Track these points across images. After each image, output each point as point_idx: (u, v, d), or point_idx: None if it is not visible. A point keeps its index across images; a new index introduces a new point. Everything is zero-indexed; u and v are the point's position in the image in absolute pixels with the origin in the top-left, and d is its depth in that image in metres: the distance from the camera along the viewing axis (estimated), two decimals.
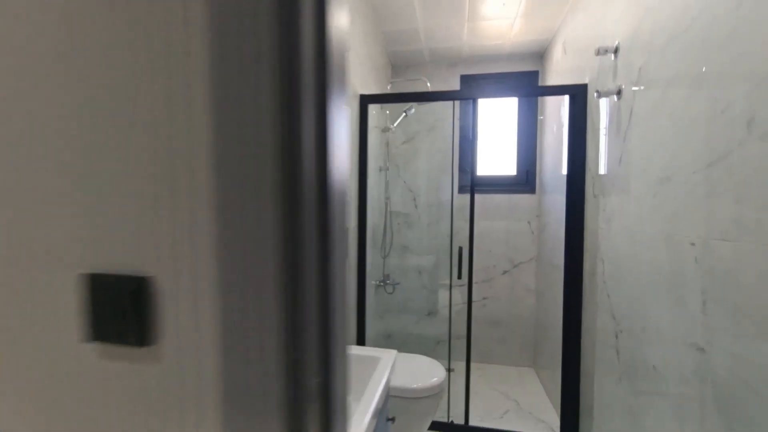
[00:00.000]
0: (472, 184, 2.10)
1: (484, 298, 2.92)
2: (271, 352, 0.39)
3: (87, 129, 0.43)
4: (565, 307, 1.91)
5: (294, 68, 0.38)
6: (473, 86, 2.99)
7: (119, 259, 0.42)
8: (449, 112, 2.72)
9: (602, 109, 1.69)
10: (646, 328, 1.27)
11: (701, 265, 1.00)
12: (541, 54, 2.89)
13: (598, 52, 1.57)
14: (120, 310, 0.42)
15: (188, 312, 0.41)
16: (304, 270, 0.39)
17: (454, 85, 3.03)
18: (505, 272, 2.89)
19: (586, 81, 1.87)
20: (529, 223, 2.87)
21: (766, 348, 0.79)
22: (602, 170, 1.68)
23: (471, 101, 2.03)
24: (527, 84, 2.95)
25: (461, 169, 2.90)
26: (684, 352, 1.06)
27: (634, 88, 1.40)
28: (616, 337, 1.49)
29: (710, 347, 0.96)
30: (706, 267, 0.98)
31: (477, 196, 2.15)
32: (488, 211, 2.89)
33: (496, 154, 3.01)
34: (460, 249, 2.16)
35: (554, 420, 2.14)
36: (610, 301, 1.56)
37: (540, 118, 2.88)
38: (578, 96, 1.84)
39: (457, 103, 2.72)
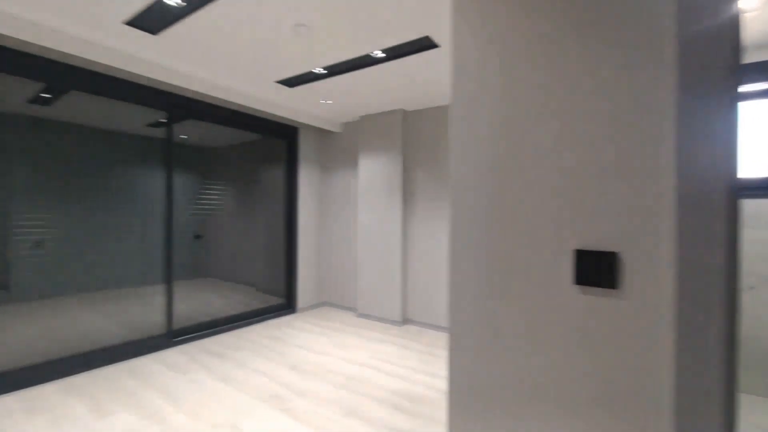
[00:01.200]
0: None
1: None
2: (714, 330, 0.71)
3: (598, 172, 0.84)
4: None
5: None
6: None
7: (597, 242, 0.82)
8: None
9: None
10: None
11: None
12: None
13: None
14: (597, 268, 0.81)
15: (643, 275, 0.77)
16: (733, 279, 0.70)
17: None
18: (750, 288, 2.57)
19: None
20: None
21: None
22: None
23: None
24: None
25: None
26: None
27: None
28: None
29: None
30: None
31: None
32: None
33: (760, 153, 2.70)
34: None
35: None
36: None
37: None
38: None
39: None
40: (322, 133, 5.00)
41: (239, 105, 3.70)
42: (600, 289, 0.81)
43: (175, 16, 2.25)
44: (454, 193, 1.01)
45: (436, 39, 2.48)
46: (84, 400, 2.41)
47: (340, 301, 4.87)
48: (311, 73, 3.15)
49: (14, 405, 2.34)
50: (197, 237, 4.39)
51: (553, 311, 0.87)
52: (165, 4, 2.13)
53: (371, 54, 2.74)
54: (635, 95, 0.76)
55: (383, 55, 2.75)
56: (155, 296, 3.40)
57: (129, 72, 2.82)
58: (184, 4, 2.12)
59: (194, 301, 4.16)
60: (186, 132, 3.74)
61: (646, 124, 0.76)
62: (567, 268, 0.86)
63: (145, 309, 3.36)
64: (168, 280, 3.41)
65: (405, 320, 4.23)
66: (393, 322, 4.21)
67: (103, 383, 2.66)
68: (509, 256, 0.93)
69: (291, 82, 3.40)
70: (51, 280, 2.89)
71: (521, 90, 0.90)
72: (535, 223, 0.90)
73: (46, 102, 2.89)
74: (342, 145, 4.87)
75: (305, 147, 4.75)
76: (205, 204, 4.19)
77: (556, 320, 0.87)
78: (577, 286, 0.84)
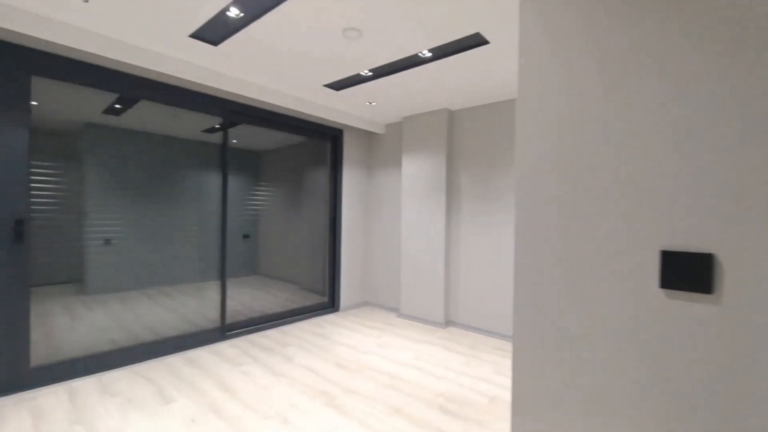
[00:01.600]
0: None
1: None
2: None
3: (692, 172, 0.79)
4: None
5: None
6: None
7: (688, 243, 0.76)
8: None
9: None
10: None
11: None
12: None
13: None
14: (688, 271, 0.75)
15: (746, 279, 0.70)
16: None
17: None
18: None
19: None
20: None
21: None
22: None
23: None
24: None
25: None
26: None
27: None
28: None
29: None
30: None
31: None
32: None
33: None
34: None
35: None
36: None
37: None
38: None
39: None
40: (366, 135, 5.07)
41: (287, 109, 3.84)
42: (691, 293, 0.75)
43: (234, 27, 2.38)
44: (519, 191, 0.98)
45: (487, 35, 2.43)
46: (148, 386, 2.60)
47: (382, 301, 4.90)
48: (358, 75, 3.21)
49: (91, 387, 2.57)
50: (245, 236, 4.60)
51: (635, 317, 0.82)
52: (226, 16, 2.25)
53: (419, 54, 2.74)
54: (737, 82, 0.70)
55: (430, 54, 2.74)
56: (209, 292, 3.60)
57: (191, 81, 3.02)
58: (242, 14, 2.24)
59: (244, 297, 4.35)
60: (235, 136, 3.94)
61: (748, 113, 0.69)
62: (652, 270, 0.80)
63: (201, 304, 3.56)
64: (222, 277, 3.60)
65: (448, 322, 4.18)
66: (436, 324, 4.16)
67: (164, 371, 2.85)
68: (584, 257, 0.88)
69: (338, 86, 3.47)
70: (119, 275, 3.15)
71: (604, 81, 0.86)
72: (615, 221, 0.85)
73: (117, 112, 3.16)
74: (385, 146, 4.91)
75: (349, 148, 4.84)
76: (253, 205, 4.37)
77: (637, 326, 0.82)
78: (663, 290, 0.79)
